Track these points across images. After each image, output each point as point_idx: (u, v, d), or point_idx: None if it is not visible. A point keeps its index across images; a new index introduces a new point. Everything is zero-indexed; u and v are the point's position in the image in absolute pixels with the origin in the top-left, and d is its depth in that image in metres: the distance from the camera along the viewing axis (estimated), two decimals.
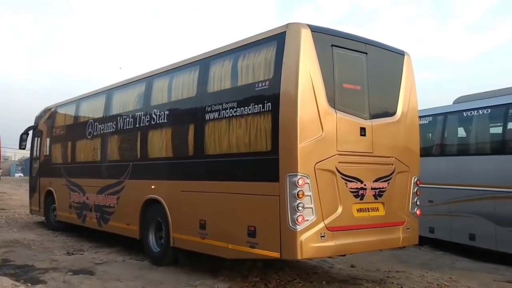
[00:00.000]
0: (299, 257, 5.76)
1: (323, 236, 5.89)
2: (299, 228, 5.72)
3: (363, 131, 6.41)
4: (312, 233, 5.80)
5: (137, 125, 8.88)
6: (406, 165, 6.93)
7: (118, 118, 9.57)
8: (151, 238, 8.41)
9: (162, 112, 8.22)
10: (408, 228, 6.91)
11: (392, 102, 6.96)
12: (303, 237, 5.73)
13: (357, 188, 6.28)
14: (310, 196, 5.81)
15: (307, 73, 5.91)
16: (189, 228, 7.36)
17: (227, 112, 6.78)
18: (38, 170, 13.59)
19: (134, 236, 8.82)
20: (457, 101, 10.88)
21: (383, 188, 6.58)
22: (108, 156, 10.04)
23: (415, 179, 7.11)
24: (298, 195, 5.71)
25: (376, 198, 6.50)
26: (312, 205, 5.82)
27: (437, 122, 10.90)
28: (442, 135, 10.77)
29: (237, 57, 6.87)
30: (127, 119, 9.23)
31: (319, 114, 5.97)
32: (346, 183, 6.18)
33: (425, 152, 11.10)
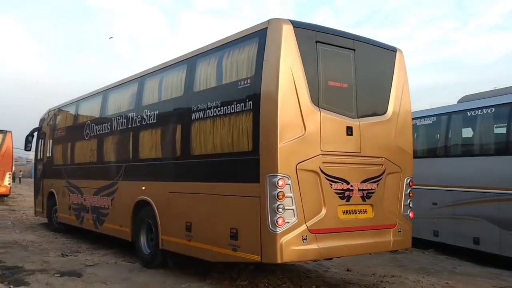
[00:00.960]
0: (279, 261, 5.55)
1: (305, 239, 5.68)
2: (279, 230, 5.52)
3: (349, 131, 6.19)
4: (293, 235, 5.60)
5: (130, 126, 8.79)
6: (397, 166, 6.67)
7: (113, 119, 9.50)
8: (142, 240, 8.29)
9: (153, 112, 8.11)
10: (399, 231, 6.64)
11: (382, 101, 6.71)
12: (284, 240, 5.53)
13: (343, 190, 6.05)
14: (291, 197, 5.61)
15: (289, 70, 5.71)
16: (176, 230, 7.22)
17: (211, 112, 6.63)
18: (42, 171, 13.64)
19: (126, 238, 8.71)
20: (461, 100, 10.52)
21: (371, 189, 6.33)
22: (103, 157, 9.96)
23: (408, 180, 6.83)
24: (278, 196, 5.52)
25: (364, 200, 6.26)
26: (293, 207, 5.62)
27: (441, 122, 10.56)
28: (446, 135, 10.42)
29: (222, 55, 6.71)
30: (121, 119, 9.15)
31: (302, 113, 5.76)
32: (331, 184, 5.96)
33: (430, 153, 10.86)
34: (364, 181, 6.26)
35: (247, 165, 5.94)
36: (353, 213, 6.17)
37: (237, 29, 6.58)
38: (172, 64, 7.87)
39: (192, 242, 6.87)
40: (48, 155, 13.13)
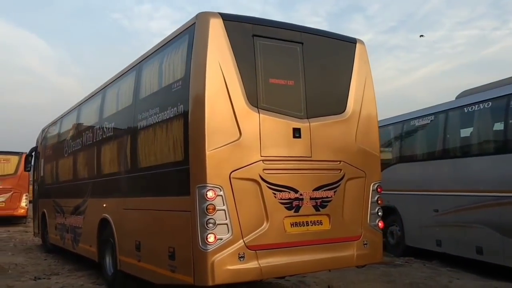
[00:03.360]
0: (210, 283, 4.89)
1: (242, 257, 5.02)
2: (210, 248, 4.89)
3: (297, 133, 5.51)
4: (227, 253, 4.95)
5: (94, 140, 8.40)
6: (361, 170, 5.94)
7: (83, 134, 9.14)
8: (108, 261, 7.78)
9: (110, 125, 7.69)
10: (365, 244, 5.88)
11: (339, 98, 6.01)
12: (216, 258, 4.90)
13: (290, 199, 5.37)
14: (224, 210, 4.98)
15: (217, 68, 5.12)
16: (129, 250, 6.69)
17: (152, 120, 6.11)
18: (37, 192, 13.45)
19: (94, 258, 8.27)
20: (460, 96, 9.61)
21: (327, 197, 5.62)
22: (78, 174, 9.60)
23: (375, 186, 6.07)
24: (207, 209, 4.90)
25: (317, 210, 5.55)
26: (227, 221, 4.98)
27: (438, 121, 9.64)
28: (444, 135, 9.48)
29: (162, 56, 6.20)
30: (89, 134, 8.77)
31: (235, 115, 5.14)
32: (275, 194, 5.28)
33: (429, 155, 9.96)
34: (317, 189, 5.56)
35: (179, 176, 5.35)
36: (303, 225, 5.47)
37: None
38: (125, 72, 7.41)
39: (141, 262, 6.32)
40: (41, 174, 12.94)
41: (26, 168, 14.39)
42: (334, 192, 5.67)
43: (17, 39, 69.27)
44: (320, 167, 5.63)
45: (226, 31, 5.24)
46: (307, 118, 5.61)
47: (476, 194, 8.36)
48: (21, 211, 21.67)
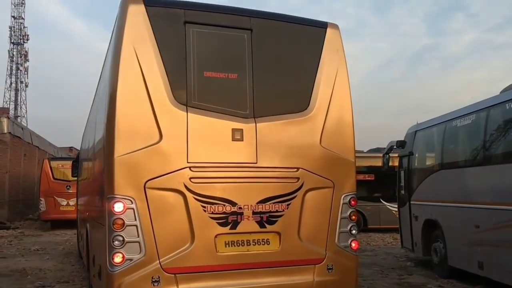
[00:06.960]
0: None
1: (156, 282, 4.30)
2: (117, 270, 4.24)
3: (237, 134, 4.68)
4: (137, 277, 4.27)
5: (92, 147, 8.08)
6: (327, 179, 4.94)
7: (88, 142, 8.91)
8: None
9: (92, 127, 7.29)
10: (330, 269, 4.86)
11: (300, 94, 5.07)
12: (123, 282, 4.24)
13: (224, 213, 4.55)
14: (136, 226, 4.30)
15: (134, 61, 4.46)
16: (92, 263, 6.23)
17: (99, 121, 5.58)
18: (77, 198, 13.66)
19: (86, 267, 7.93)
20: (505, 90, 8.04)
21: (277, 211, 4.71)
22: (82, 180, 9.40)
23: (347, 198, 5.03)
24: (114, 224, 4.24)
25: (263, 226, 4.67)
26: (138, 239, 4.30)
27: (479, 120, 8.12)
28: (485, 137, 7.96)
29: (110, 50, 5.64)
30: (88, 145, 8.50)
31: (155, 114, 4.45)
32: (204, 207, 4.49)
33: (467, 161, 8.49)
34: (262, 201, 4.68)
35: (101, 186, 4.75)
36: (242, 245, 4.61)
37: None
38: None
39: (95, 278, 5.82)
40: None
41: (73, 174, 14.66)
42: (288, 205, 4.75)
43: None
44: (268, 176, 4.74)
45: (149, 19, 4.56)
46: (254, 118, 4.75)
47: None
48: None
